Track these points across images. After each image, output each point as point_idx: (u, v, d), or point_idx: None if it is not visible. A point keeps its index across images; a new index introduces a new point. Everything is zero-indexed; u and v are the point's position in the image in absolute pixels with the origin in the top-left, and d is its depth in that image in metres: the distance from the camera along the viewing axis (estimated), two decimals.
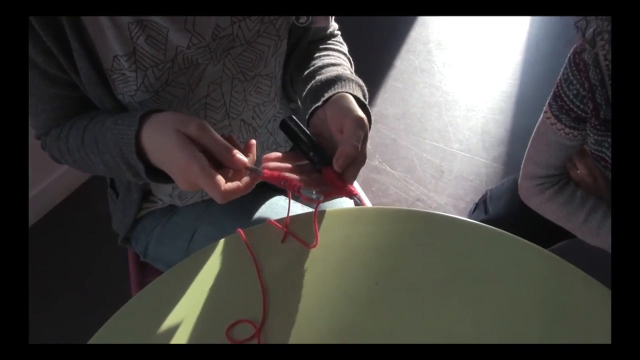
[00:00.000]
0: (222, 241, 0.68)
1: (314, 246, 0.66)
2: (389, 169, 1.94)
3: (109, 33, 0.63)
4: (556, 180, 0.95)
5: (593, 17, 0.74)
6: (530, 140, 0.96)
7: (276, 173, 0.61)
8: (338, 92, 0.67)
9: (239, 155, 0.58)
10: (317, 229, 0.67)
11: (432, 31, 2.56)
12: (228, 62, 0.73)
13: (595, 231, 0.91)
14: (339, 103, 0.66)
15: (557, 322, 0.60)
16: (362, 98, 0.70)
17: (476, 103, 2.17)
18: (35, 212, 1.75)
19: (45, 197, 1.77)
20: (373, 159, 1.97)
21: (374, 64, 2.38)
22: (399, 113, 2.15)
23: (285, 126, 0.68)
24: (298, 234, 0.68)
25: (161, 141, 0.59)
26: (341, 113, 0.65)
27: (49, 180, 1.75)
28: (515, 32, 2.52)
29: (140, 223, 0.92)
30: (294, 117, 0.68)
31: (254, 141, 0.63)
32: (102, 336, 0.60)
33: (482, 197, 1.22)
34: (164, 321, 0.61)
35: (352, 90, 0.69)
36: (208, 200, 0.90)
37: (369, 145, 0.69)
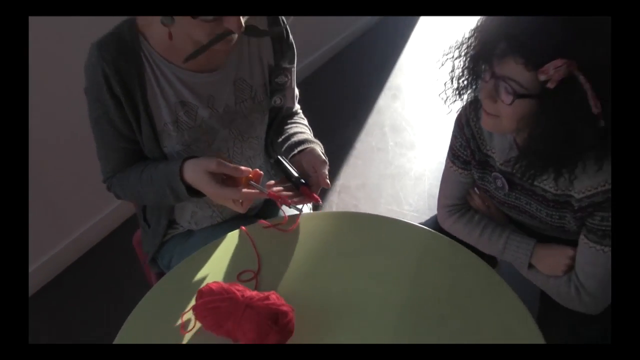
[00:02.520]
0: (228, 235, 1.08)
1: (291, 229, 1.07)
2: None
3: (163, 109, 1.06)
4: (460, 208, 1.25)
5: (458, 97, 1.06)
6: (440, 181, 1.32)
7: (276, 194, 1.03)
8: (309, 147, 1.12)
9: (243, 167, 1.00)
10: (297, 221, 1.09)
11: (386, 117, 3.09)
12: (233, 128, 1.17)
13: (487, 243, 1.17)
14: (312, 153, 1.10)
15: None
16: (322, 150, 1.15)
17: (423, 172, 2.64)
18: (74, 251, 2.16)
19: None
20: None
21: (339, 145, 2.88)
22: (359, 184, 2.59)
23: (278, 163, 1.11)
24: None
25: (197, 179, 1.01)
26: (314, 158, 1.09)
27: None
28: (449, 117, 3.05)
29: (165, 245, 1.30)
30: (284, 157, 1.12)
31: (261, 172, 1.03)
32: (151, 297, 0.98)
33: None
34: (194, 277, 1.00)
35: (317, 147, 1.13)
36: (216, 224, 1.29)
37: None
